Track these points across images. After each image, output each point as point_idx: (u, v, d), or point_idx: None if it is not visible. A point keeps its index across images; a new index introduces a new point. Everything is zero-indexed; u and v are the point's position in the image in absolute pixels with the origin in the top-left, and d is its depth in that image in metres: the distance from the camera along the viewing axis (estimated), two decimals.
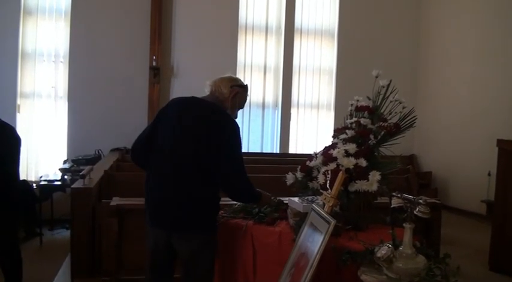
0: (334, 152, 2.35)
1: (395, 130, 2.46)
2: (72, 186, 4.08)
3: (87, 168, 4.29)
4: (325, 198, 2.17)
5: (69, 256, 4.07)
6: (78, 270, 3.77)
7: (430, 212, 1.82)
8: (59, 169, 5.79)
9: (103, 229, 3.62)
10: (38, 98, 6.53)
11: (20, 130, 6.27)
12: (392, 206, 1.93)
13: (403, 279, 1.79)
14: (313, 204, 2.24)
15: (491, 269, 4.39)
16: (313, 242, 2.02)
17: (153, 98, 6.84)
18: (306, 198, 2.46)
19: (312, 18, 7.80)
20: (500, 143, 4.43)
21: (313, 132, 7.92)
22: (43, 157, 6.58)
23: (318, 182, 2.43)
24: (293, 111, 7.78)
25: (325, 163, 2.41)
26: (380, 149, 2.48)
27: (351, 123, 2.54)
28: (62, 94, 6.63)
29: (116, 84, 6.75)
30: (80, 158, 6.01)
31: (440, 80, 7.78)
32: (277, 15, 7.63)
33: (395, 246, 1.86)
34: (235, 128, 2.34)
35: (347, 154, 2.32)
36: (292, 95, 7.73)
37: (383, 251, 1.80)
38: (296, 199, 2.48)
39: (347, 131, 2.49)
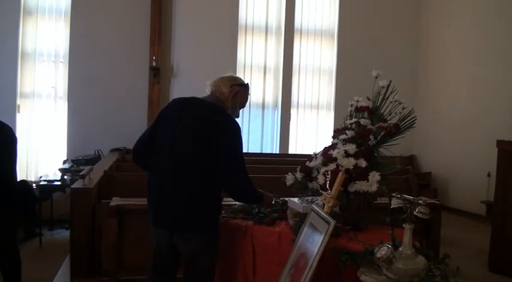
0: (334, 153, 2.35)
1: (395, 131, 2.46)
2: (71, 186, 4.08)
3: (86, 168, 4.29)
4: (324, 199, 2.17)
5: (68, 256, 4.07)
6: (77, 270, 3.77)
7: (430, 213, 1.82)
8: (59, 169, 5.79)
9: (103, 229, 3.61)
10: (37, 98, 6.53)
11: (19, 130, 6.33)
12: (392, 207, 1.93)
13: (402, 280, 1.79)
14: (313, 205, 2.24)
15: (490, 269, 4.39)
16: (313, 242, 2.02)
17: (152, 98, 6.84)
18: (305, 198, 2.46)
19: (312, 18, 7.81)
20: (500, 143, 4.43)
21: (313, 133, 7.92)
22: (43, 157, 6.58)
23: (317, 183, 2.43)
24: (293, 111, 7.78)
25: (324, 163, 2.41)
26: (380, 149, 2.48)
27: (351, 124, 2.54)
28: (62, 94, 6.64)
29: (116, 84, 6.75)
30: (80, 158, 6.02)
31: (440, 80, 7.78)
32: (277, 16, 7.63)
33: (395, 247, 1.86)
34: (236, 128, 2.33)
35: (347, 155, 2.32)
36: (292, 95, 7.74)
37: (383, 251, 1.80)
38: (296, 199, 2.47)
39: (347, 131, 2.48)
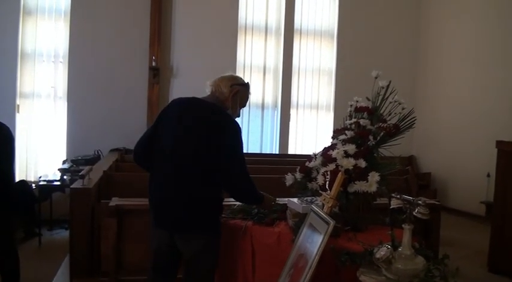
0: (334, 153, 2.35)
1: (395, 131, 2.46)
2: (71, 186, 4.08)
3: (86, 168, 4.29)
4: (324, 199, 2.17)
5: (68, 256, 4.07)
6: (77, 270, 3.76)
7: (429, 213, 1.82)
8: (58, 169, 5.80)
9: (102, 229, 3.61)
10: (37, 98, 6.53)
11: (19, 130, 6.33)
12: (391, 207, 1.93)
13: (402, 280, 1.79)
14: (313, 205, 2.24)
15: (490, 270, 4.39)
16: (312, 242, 2.02)
17: (152, 98, 6.84)
18: (305, 199, 2.45)
19: (312, 19, 7.81)
20: (500, 144, 4.44)
21: (312, 133, 7.92)
22: (42, 157, 6.58)
23: (317, 183, 2.43)
24: (292, 111, 7.79)
25: (324, 164, 2.41)
26: (379, 150, 2.48)
27: (350, 124, 2.54)
28: (62, 94, 6.64)
29: (116, 84, 6.75)
30: (79, 158, 6.01)
31: (440, 80, 7.79)
32: (276, 16, 7.64)
33: (395, 247, 1.86)
34: (236, 128, 2.33)
35: (346, 155, 2.32)
36: (291, 95, 7.74)
37: (382, 252, 1.80)
38: (295, 200, 2.47)
39: (346, 131, 2.48)
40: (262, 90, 7.62)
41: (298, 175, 2.66)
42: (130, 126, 6.36)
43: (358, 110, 2.58)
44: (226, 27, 7.33)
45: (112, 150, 6.44)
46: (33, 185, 5.79)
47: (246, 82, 2.54)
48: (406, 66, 8.20)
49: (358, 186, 2.26)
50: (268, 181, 3.50)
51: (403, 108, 2.53)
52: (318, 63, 7.88)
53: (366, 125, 2.47)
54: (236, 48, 7.40)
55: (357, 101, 2.62)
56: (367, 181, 2.25)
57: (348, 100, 2.68)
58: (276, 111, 7.75)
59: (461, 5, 7.39)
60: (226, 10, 7.32)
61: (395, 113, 2.55)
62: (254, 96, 7.44)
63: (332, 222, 1.94)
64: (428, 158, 8.02)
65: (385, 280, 1.83)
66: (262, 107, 7.64)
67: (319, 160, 2.51)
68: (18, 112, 6.40)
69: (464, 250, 5.06)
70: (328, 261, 2.02)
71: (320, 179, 2.38)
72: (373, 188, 2.24)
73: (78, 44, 6.57)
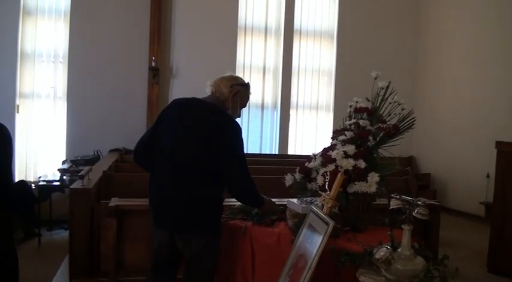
0: (333, 154, 2.35)
1: (394, 131, 2.46)
2: (70, 186, 4.07)
3: (86, 168, 4.29)
4: (323, 200, 2.17)
5: (67, 257, 4.06)
6: (76, 270, 3.76)
7: (429, 214, 1.82)
8: (58, 169, 5.79)
9: (102, 230, 3.61)
10: (37, 98, 6.53)
11: (19, 130, 6.33)
12: (391, 208, 1.93)
13: (401, 281, 1.79)
14: (312, 206, 2.24)
15: (489, 270, 4.39)
16: (312, 243, 2.03)
17: (152, 98, 6.84)
18: (304, 199, 2.46)
19: (312, 19, 7.81)
20: (499, 145, 4.44)
21: (312, 134, 7.92)
22: (42, 157, 6.57)
23: (316, 183, 2.43)
24: (292, 112, 7.78)
25: (324, 164, 2.42)
26: (379, 150, 2.48)
27: (350, 125, 2.54)
28: (61, 94, 6.63)
29: (115, 84, 6.75)
30: (79, 158, 6.01)
31: (440, 81, 7.79)
32: (276, 16, 7.64)
33: (394, 248, 1.86)
34: (236, 128, 2.34)
35: (346, 155, 2.32)
36: (291, 96, 7.74)
37: (381, 252, 1.80)
38: (295, 200, 2.48)
39: (346, 132, 2.49)
40: (262, 90, 7.62)
41: (297, 175, 2.67)
42: (130, 126, 6.36)
43: (358, 110, 2.58)
44: (226, 27, 7.34)
45: (112, 151, 6.44)
46: (33, 185, 5.79)
47: (247, 82, 2.54)
48: (406, 67, 8.20)
49: (358, 186, 2.26)
50: (267, 181, 3.50)
51: (402, 109, 2.53)
52: (317, 63, 7.88)
53: (366, 125, 2.47)
54: (236, 49, 7.40)
55: (357, 102, 2.63)
56: (367, 182, 2.26)
57: (347, 101, 2.68)
58: (275, 112, 7.75)
59: (461, 5, 7.39)
60: (226, 10, 7.32)
61: (395, 114, 2.56)
62: (254, 97, 7.43)
63: (331, 223, 1.95)
64: (428, 158, 8.02)
65: (385, 281, 1.83)
66: (262, 107, 7.64)
67: (318, 161, 2.52)
68: (18, 112, 6.40)
69: (463, 250, 5.06)
70: (327, 261, 2.02)
71: (319, 180, 2.38)
72: (373, 189, 2.25)
73: (78, 44, 6.57)
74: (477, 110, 6.91)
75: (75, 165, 5.79)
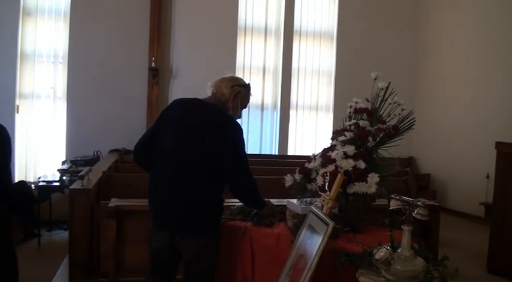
0: (333, 154, 2.35)
1: (394, 132, 2.46)
2: (70, 187, 4.07)
3: (85, 169, 4.29)
4: (323, 200, 2.17)
5: (67, 257, 4.06)
6: (76, 271, 3.76)
7: (429, 214, 1.82)
8: (58, 170, 5.80)
9: (101, 230, 3.61)
10: (37, 98, 6.53)
11: (18, 131, 6.33)
12: (390, 208, 1.93)
13: None
14: (312, 206, 2.24)
15: (489, 271, 4.39)
16: (312, 243, 2.02)
17: (152, 99, 6.84)
18: (304, 200, 2.45)
19: (311, 20, 7.82)
20: (499, 145, 4.44)
21: (312, 134, 7.92)
22: (42, 158, 6.58)
23: (316, 184, 2.43)
24: (292, 112, 7.79)
25: (323, 165, 2.42)
26: (379, 151, 2.48)
27: (350, 125, 2.54)
28: (61, 95, 6.64)
29: (115, 85, 6.75)
30: (79, 159, 6.01)
31: (439, 82, 7.79)
32: (276, 17, 7.64)
33: (394, 249, 1.86)
34: (237, 128, 2.34)
35: (346, 156, 2.32)
36: (291, 96, 7.75)
37: (381, 253, 1.80)
38: (295, 201, 2.47)
39: (346, 133, 2.49)
40: (262, 91, 7.62)
41: (297, 176, 2.67)
42: (129, 127, 6.36)
43: (358, 111, 2.58)
44: (226, 28, 7.34)
45: (111, 151, 6.45)
46: (33, 185, 5.80)
47: (247, 83, 2.55)
48: (406, 67, 8.20)
49: (358, 187, 2.26)
50: (267, 182, 3.50)
51: (402, 110, 2.53)
52: (317, 64, 7.88)
53: (366, 126, 2.47)
54: (236, 49, 7.41)
55: (356, 102, 2.62)
56: (367, 182, 2.26)
57: (347, 101, 2.68)
58: (275, 112, 7.75)
59: (461, 6, 7.40)
60: (225, 11, 7.33)
61: (394, 114, 2.56)
62: (254, 97, 7.32)
63: (331, 223, 1.94)
64: (428, 159, 8.02)
65: (385, 281, 1.83)
66: (262, 107, 7.65)
67: (318, 161, 2.51)
68: (17, 113, 6.40)
69: (463, 251, 5.06)
70: (327, 262, 2.02)
71: (319, 180, 2.38)
72: (373, 189, 2.24)
73: (77, 44, 6.58)
74: (477, 110, 6.91)
75: (74, 166, 5.79)
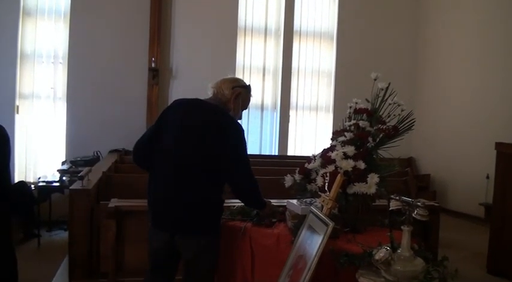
0: (333, 155, 2.35)
1: (394, 133, 2.46)
2: (70, 187, 4.07)
3: (85, 169, 4.29)
4: (323, 201, 2.17)
5: (67, 257, 4.06)
6: (76, 271, 3.75)
7: (428, 215, 1.82)
8: (58, 170, 5.80)
9: (101, 230, 3.62)
10: (36, 99, 6.53)
11: (18, 131, 6.33)
12: (390, 209, 1.93)
13: None
14: (312, 207, 2.24)
15: (489, 271, 4.39)
16: (312, 244, 2.02)
17: (152, 99, 6.84)
18: (304, 200, 2.46)
19: (311, 20, 7.82)
20: (499, 146, 4.44)
21: (311, 135, 7.92)
22: (41, 158, 6.58)
23: (316, 184, 2.43)
24: (292, 113, 7.79)
25: (323, 165, 2.42)
26: (378, 151, 2.48)
27: (350, 126, 2.54)
28: (61, 95, 6.64)
29: (115, 85, 6.75)
30: (79, 159, 6.01)
31: (439, 82, 7.79)
32: (276, 18, 7.65)
33: (394, 249, 1.86)
34: (239, 129, 2.34)
35: (345, 156, 2.32)
36: (291, 97, 7.74)
37: (381, 253, 1.80)
38: (294, 201, 2.48)
39: (346, 133, 2.49)
40: (262, 91, 7.62)
41: (297, 176, 2.67)
42: (129, 127, 6.36)
43: (358, 111, 2.58)
44: (226, 28, 7.34)
45: (111, 152, 6.44)
46: (33, 186, 5.80)
47: (248, 84, 2.55)
48: (406, 68, 8.21)
49: (357, 187, 2.26)
50: (267, 182, 3.50)
51: (402, 110, 2.53)
52: (317, 64, 7.89)
53: (365, 126, 2.47)
54: (236, 50, 7.41)
55: (356, 103, 2.62)
56: (366, 183, 2.26)
57: (347, 102, 2.68)
58: (275, 113, 7.75)
59: (460, 7, 7.40)
60: (225, 11, 7.33)
61: (394, 115, 2.56)
62: (253, 98, 7.30)
63: (331, 224, 1.95)
64: (428, 159, 8.02)
65: None
66: (262, 108, 7.65)
67: (318, 161, 2.52)
68: (17, 113, 6.40)
69: (463, 252, 5.06)
70: (327, 262, 2.02)
71: (319, 181, 2.38)
72: (372, 190, 2.24)
73: (77, 45, 6.58)
74: (477, 111, 6.91)
75: (74, 166, 5.79)
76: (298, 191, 2.63)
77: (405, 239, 1.84)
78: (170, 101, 2.51)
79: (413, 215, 1.83)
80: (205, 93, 2.48)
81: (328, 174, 2.29)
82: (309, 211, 2.22)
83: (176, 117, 2.33)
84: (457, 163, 7.24)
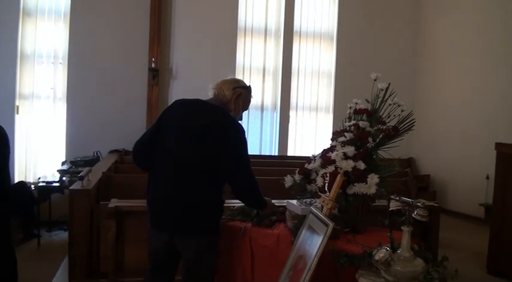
0: (333, 155, 2.35)
1: (394, 133, 2.46)
2: (70, 187, 4.07)
3: (85, 169, 4.29)
4: (323, 201, 2.17)
5: (67, 258, 4.06)
6: (76, 272, 3.75)
7: (428, 215, 1.82)
8: (57, 170, 5.79)
9: (101, 231, 3.62)
10: (36, 99, 6.53)
11: (18, 131, 6.32)
12: (390, 209, 1.93)
13: None
14: (312, 207, 2.24)
15: (489, 272, 4.39)
16: (312, 244, 2.02)
17: (151, 99, 6.84)
18: (304, 200, 2.46)
19: (311, 20, 7.82)
20: (499, 146, 4.44)
21: (311, 135, 7.92)
22: (41, 158, 6.57)
23: (316, 185, 2.43)
24: (292, 113, 7.79)
25: (323, 166, 2.42)
26: (378, 152, 2.48)
27: (350, 126, 2.54)
28: (61, 95, 6.63)
29: (115, 85, 6.75)
30: (79, 159, 6.01)
31: (439, 82, 7.80)
32: (276, 18, 7.65)
33: (394, 249, 1.86)
34: (240, 129, 2.34)
35: (345, 157, 2.32)
36: (291, 97, 7.75)
37: (381, 254, 1.80)
38: (294, 201, 2.48)
39: (345, 133, 2.49)
40: (262, 92, 7.63)
41: (297, 177, 2.67)
42: (129, 127, 6.35)
43: (358, 112, 2.58)
44: (225, 29, 7.34)
45: (111, 152, 6.44)
46: (32, 186, 5.80)
47: (248, 85, 2.56)
48: (406, 68, 8.21)
49: (357, 188, 2.26)
50: (267, 183, 3.50)
51: (402, 110, 2.54)
52: (317, 65, 7.89)
53: (365, 127, 2.47)
54: (236, 50, 7.41)
55: (356, 103, 2.62)
56: (366, 183, 2.26)
57: (347, 102, 2.68)
58: (275, 113, 7.75)
59: (460, 7, 7.40)
60: (225, 12, 7.33)
61: (394, 115, 2.56)
62: (253, 98, 7.33)
63: (331, 224, 1.95)
64: (428, 160, 8.02)
65: None
66: (262, 108, 7.65)
67: (318, 162, 2.52)
68: (17, 113, 6.40)
69: (463, 252, 5.06)
70: (327, 263, 2.02)
71: (319, 181, 2.38)
72: (372, 190, 2.24)
73: (77, 45, 6.58)
74: (477, 111, 6.91)
75: (74, 166, 5.79)
76: (298, 191, 2.63)
77: (405, 239, 1.84)
78: (170, 101, 2.52)
79: (413, 215, 1.83)
80: (206, 93, 2.48)
81: (328, 175, 2.29)
82: (309, 211, 2.22)
83: (177, 117, 2.33)
84: (457, 163, 7.24)
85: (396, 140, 2.50)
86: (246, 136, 2.37)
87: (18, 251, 3.38)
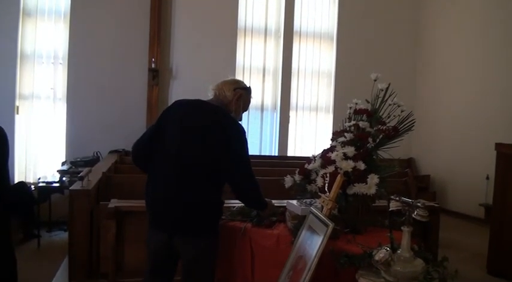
0: (333, 155, 2.35)
1: (394, 133, 2.46)
2: (70, 188, 4.06)
3: (85, 170, 4.29)
4: (323, 201, 2.17)
5: (67, 258, 4.05)
6: (76, 272, 3.75)
7: (428, 216, 1.83)
8: (57, 171, 5.79)
9: (101, 231, 3.62)
10: (36, 99, 6.52)
11: (18, 132, 6.32)
12: (390, 209, 1.93)
13: None
14: (312, 207, 2.24)
15: (489, 272, 4.39)
16: (312, 244, 2.02)
17: (151, 100, 6.84)
18: (304, 201, 2.46)
19: (311, 21, 7.82)
20: (499, 146, 4.44)
21: (311, 135, 7.92)
22: (41, 159, 6.57)
23: (316, 185, 2.43)
24: (292, 113, 7.79)
25: (323, 166, 2.42)
26: (378, 152, 2.49)
27: (350, 126, 2.54)
28: (61, 96, 6.63)
29: (115, 86, 6.75)
30: (79, 159, 6.01)
31: (439, 83, 7.80)
32: (276, 18, 7.65)
33: (394, 250, 1.86)
34: (240, 130, 2.35)
35: (345, 157, 2.32)
36: (291, 97, 7.75)
37: (381, 254, 1.80)
38: (294, 202, 2.48)
39: (345, 134, 2.49)
40: (262, 92, 7.62)
41: (297, 177, 2.67)
42: (129, 128, 6.35)
43: (358, 112, 2.59)
44: (225, 29, 7.34)
45: (111, 152, 6.44)
46: (32, 186, 5.80)
47: (248, 86, 2.57)
48: (406, 69, 8.21)
49: (357, 188, 2.26)
50: (267, 183, 3.50)
51: (402, 111, 2.54)
52: (317, 65, 7.89)
53: (365, 127, 2.47)
54: (236, 50, 7.41)
55: (356, 103, 2.63)
56: (366, 183, 2.26)
57: (347, 102, 2.68)
58: (275, 113, 7.75)
59: (461, 7, 7.41)
60: (225, 12, 7.33)
61: (394, 116, 2.56)
62: (253, 98, 7.35)
63: (331, 224, 1.95)
64: (428, 160, 8.02)
65: None
66: (262, 108, 7.64)
67: (318, 162, 2.52)
68: (17, 113, 6.39)
69: (463, 252, 5.05)
70: (327, 263, 2.02)
71: (319, 181, 2.38)
72: (372, 190, 2.25)
73: (77, 45, 6.57)
74: (477, 111, 6.91)
75: (74, 167, 5.79)
76: (298, 191, 2.63)
77: (405, 239, 1.84)
78: (170, 102, 2.52)
79: (413, 215, 1.83)
80: (205, 93, 2.48)
81: (328, 175, 2.29)
82: (308, 212, 2.22)
83: (177, 118, 2.33)
84: (457, 164, 7.24)
85: (396, 140, 2.50)
86: (246, 136, 2.37)
87: (18, 251, 3.38)
